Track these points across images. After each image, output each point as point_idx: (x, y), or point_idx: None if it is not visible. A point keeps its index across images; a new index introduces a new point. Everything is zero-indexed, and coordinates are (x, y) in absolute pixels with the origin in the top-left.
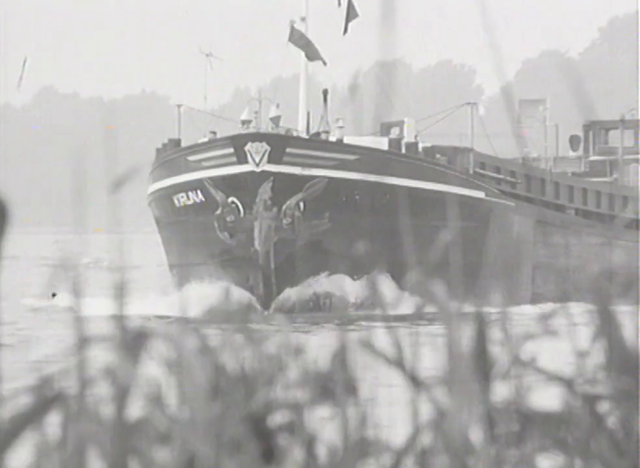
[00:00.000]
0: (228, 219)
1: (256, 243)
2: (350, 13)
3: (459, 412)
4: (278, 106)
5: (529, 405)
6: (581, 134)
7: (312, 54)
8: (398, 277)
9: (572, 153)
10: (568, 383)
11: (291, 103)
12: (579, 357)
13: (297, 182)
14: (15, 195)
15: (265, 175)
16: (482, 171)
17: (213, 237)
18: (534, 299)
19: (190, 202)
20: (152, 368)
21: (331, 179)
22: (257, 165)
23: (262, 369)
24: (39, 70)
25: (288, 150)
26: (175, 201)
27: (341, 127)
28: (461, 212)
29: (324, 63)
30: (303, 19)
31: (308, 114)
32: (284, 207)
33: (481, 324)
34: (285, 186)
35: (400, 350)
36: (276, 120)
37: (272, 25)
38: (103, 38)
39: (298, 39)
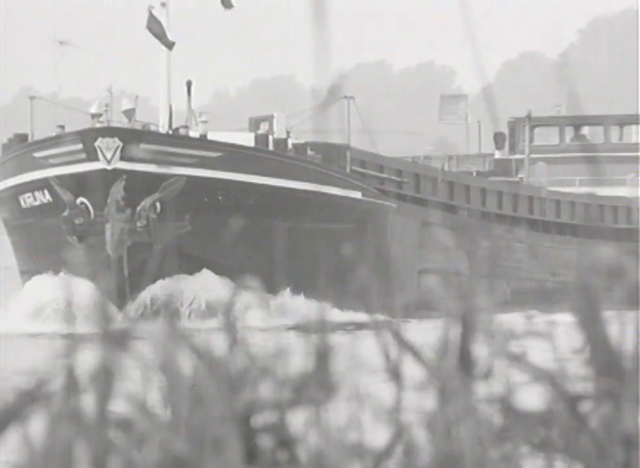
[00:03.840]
0: (77, 221)
1: (108, 247)
2: (225, 2)
3: (443, 411)
4: (136, 98)
5: (513, 403)
6: (506, 131)
7: (168, 44)
8: (267, 282)
9: (496, 152)
10: (551, 382)
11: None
12: (563, 357)
13: (153, 181)
14: None
15: (117, 173)
16: (361, 170)
17: (61, 241)
18: (420, 306)
19: (37, 203)
20: (135, 368)
21: (190, 177)
22: (109, 162)
23: (245, 370)
24: (19, 71)
25: (142, 146)
26: (22, 202)
27: (204, 122)
28: (335, 214)
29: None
30: (163, 5)
31: (170, 107)
32: (138, 208)
33: (466, 323)
34: (140, 185)
35: (386, 352)
36: (129, 113)
37: (132, 10)
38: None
39: (155, 27)
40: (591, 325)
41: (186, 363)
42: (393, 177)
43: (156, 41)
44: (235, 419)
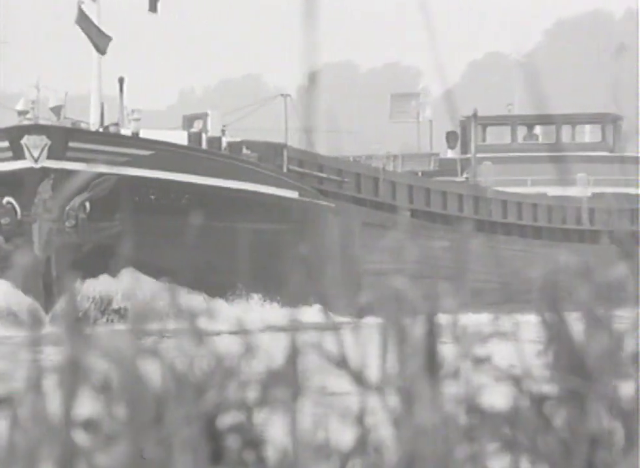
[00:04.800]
0: (3, 221)
1: (35, 248)
2: (151, 6)
3: (410, 412)
4: (66, 94)
5: (479, 404)
6: (458, 130)
7: (98, 40)
8: (202, 283)
9: (449, 151)
10: (517, 383)
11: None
12: (528, 358)
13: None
14: None
15: (45, 171)
16: (299, 169)
17: None
18: (363, 307)
19: None
20: (99, 369)
21: (121, 176)
22: (36, 161)
23: (212, 370)
24: None
25: (71, 144)
26: None
27: (136, 120)
28: (271, 214)
29: (103, 52)
30: (94, 0)
31: (102, 105)
32: (67, 208)
33: (431, 324)
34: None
35: (345, 351)
36: (56, 110)
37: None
38: None
39: (85, 24)
40: (554, 326)
41: (146, 365)
42: (333, 177)
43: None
44: (201, 420)
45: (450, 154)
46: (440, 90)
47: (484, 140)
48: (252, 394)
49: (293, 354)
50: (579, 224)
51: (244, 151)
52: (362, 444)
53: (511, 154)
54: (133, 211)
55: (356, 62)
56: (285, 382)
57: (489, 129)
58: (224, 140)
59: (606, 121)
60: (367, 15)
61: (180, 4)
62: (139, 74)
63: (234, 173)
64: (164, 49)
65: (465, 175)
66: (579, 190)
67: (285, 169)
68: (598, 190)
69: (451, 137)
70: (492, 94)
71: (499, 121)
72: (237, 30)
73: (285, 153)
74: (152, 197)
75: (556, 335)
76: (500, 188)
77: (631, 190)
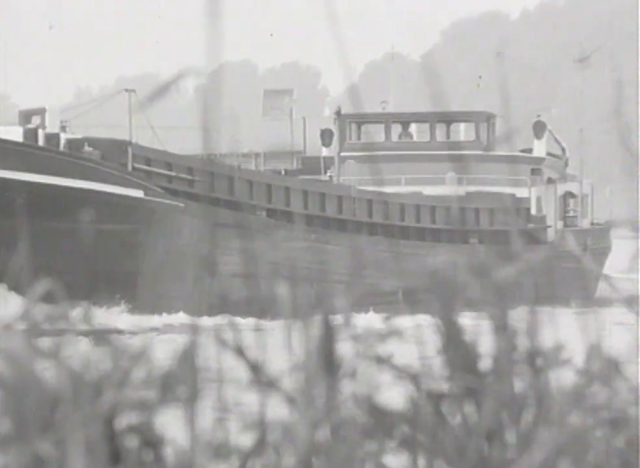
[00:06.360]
0: None
1: None
2: None
3: (307, 410)
4: None
5: (377, 403)
6: (333, 127)
7: None
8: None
9: (324, 149)
10: (414, 381)
11: None
12: (424, 357)
13: None
14: None
15: None
16: (146, 168)
17: None
18: (214, 309)
19: None
20: None
21: None
22: None
23: (109, 370)
24: None
25: None
26: None
27: None
28: (114, 214)
29: None
30: None
31: None
32: None
33: (327, 324)
34: None
35: (245, 347)
36: None
37: None
38: None
39: None
40: (446, 326)
41: (42, 366)
42: (182, 175)
43: None
44: (99, 421)
45: (325, 152)
46: (338, 89)
47: (359, 138)
48: (150, 394)
49: (191, 354)
50: (449, 224)
51: (87, 148)
52: (262, 444)
53: (384, 152)
54: None
55: (254, 61)
56: (184, 381)
57: (371, 128)
58: (63, 137)
59: (479, 119)
60: (265, 14)
61: (76, 2)
62: (33, 73)
63: (73, 172)
64: (60, 48)
65: (328, 174)
66: (453, 189)
67: (130, 168)
68: (471, 188)
69: (325, 135)
70: (389, 94)
71: (373, 119)
72: (135, 28)
73: (129, 150)
74: None
75: (448, 334)
76: (375, 188)
77: (505, 189)
